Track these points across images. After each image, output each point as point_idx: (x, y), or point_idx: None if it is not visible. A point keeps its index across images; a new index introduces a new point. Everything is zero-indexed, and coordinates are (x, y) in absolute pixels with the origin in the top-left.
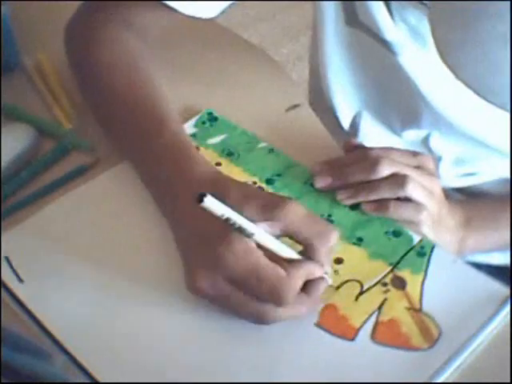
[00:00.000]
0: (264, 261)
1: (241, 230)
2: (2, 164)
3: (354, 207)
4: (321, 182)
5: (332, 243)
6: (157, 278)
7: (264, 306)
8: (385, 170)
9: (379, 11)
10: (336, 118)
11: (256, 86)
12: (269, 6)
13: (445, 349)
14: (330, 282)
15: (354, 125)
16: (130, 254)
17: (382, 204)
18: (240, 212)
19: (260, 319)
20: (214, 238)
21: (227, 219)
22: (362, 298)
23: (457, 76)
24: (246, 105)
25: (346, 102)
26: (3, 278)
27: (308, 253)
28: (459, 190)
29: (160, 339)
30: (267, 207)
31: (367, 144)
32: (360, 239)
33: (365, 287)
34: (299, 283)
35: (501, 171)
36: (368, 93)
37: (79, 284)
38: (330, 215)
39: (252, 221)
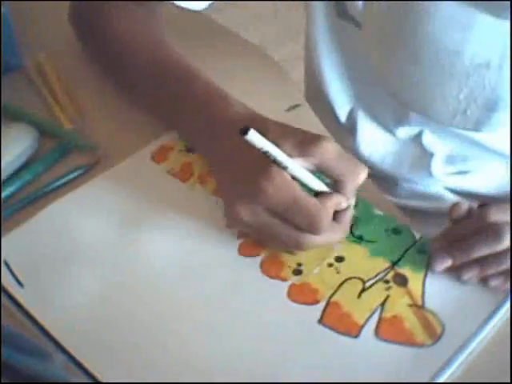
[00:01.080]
0: (301, 193)
1: (278, 164)
2: (2, 164)
3: (354, 205)
4: (439, 265)
5: (360, 181)
6: (158, 277)
7: (302, 234)
8: (509, 240)
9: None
10: (332, 114)
11: (256, 86)
12: (269, 6)
13: (448, 345)
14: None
15: (351, 120)
16: (130, 255)
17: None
18: (277, 147)
19: (298, 246)
20: (255, 170)
21: (266, 152)
22: (364, 295)
23: (386, 89)
24: (246, 105)
25: (340, 97)
26: (3, 282)
27: (338, 187)
28: (453, 191)
29: (160, 339)
30: (303, 144)
31: (363, 144)
32: (360, 237)
33: (367, 284)
34: (331, 212)
35: (493, 170)
36: (360, 89)
37: (79, 286)
38: None
39: (289, 156)
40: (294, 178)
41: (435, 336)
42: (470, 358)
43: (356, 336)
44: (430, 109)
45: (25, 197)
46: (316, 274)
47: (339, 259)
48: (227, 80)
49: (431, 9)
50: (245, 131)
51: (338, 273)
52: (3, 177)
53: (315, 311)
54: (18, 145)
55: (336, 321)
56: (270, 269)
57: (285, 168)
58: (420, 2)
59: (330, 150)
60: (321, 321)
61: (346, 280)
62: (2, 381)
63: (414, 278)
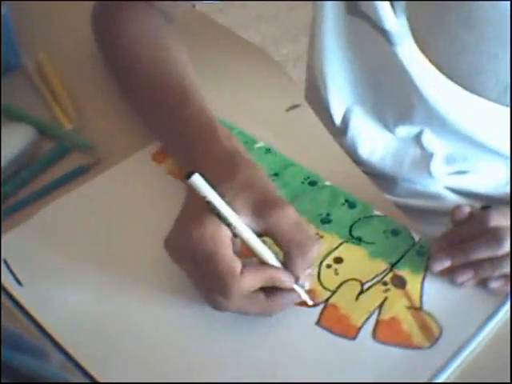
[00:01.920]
0: (224, 252)
1: (220, 217)
2: (2, 164)
3: (353, 206)
4: (438, 266)
5: (311, 257)
6: (157, 278)
7: (214, 293)
8: (509, 244)
9: (380, 1)
10: (329, 114)
11: (256, 86)
12: (269, 7)
13: (446, 347)
14: (308, 300)
15: (345, 121)
16: (129, 255)
17: (508, 279)
18: (230, 200)
19: (209, 303)
20: (194, 214)
21: (208, 202)
22: (362, 297)
23: (430, 59)
24: (246, 105)
25: (339, 97)
26: (2, 281)
27: (285, 260)
28: (453, 190)
29: (160, 339)
30: (261, 204)
31: (363, 143)
32: (359, 238)
33: (365, 286)
34: (252, 285)
35: (492, 170)
36: (363, 87)
37: (78, 285)
38: (328, 214)
39: (241, 211)
40: (235, 236)
41: (433, 338)
42: (468, 361)
43: (354, 338)
44: (477, 81)
45: (24, 197)
46: (314, 276)
47: (338, 260)
48: (227, 80)
49: None
50: (189, 175)
51: (336, 274)
52: (3, 177)
53: (313, 313)
54: (18, 145)
55: (334, 323)
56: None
57: (228, 224)
58: None
59: (286, 216)
60: (318, 323)
61: (344, 282)
62: (2, 381)
63: (413, 280)
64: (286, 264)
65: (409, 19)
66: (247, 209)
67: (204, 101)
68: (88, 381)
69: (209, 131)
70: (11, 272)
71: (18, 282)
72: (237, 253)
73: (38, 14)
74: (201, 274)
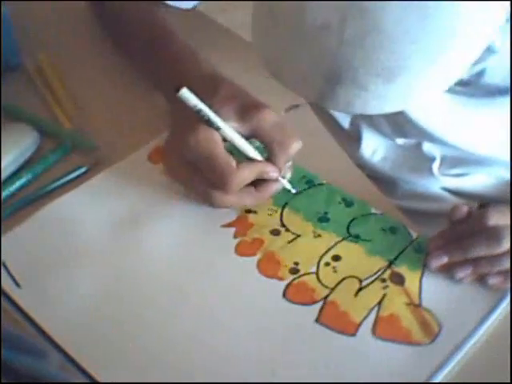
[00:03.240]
0: (220, 151)
1: (210, 123)
2: (2, 164)
3: (350, 204)
4: (436, 262)
5: (291, 152)
6: (156, 277)
7: (212, 190)
8: (508, 242)
9: None
10: (334, 118)
11: (256, 86)
12: None
13: (445, 343)
14: (291, 188)
15: (354, 125)
16: (127, 255)
17: (507, 276)
18: (216, 109)
19: (208, 201)
20: (185, 125)
21: (199, 111)
22: (361, 293)
23: (255, 52)
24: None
25: None
26: (1, 283)
27: (269, 156)
28: (454, 192)
29: (157, 339)
30: (244, 109)
31: (364, 146)
32: (357, 236)
33: (364, 283)
34: (247, 176)
35: (492, 172)
36: None
37: (77, 286)
38: (326, 212)
39: (227, 118)
40: (225, 140)
41: (432, 335)
42: (467, 357)
43: (353, 334)
44: (280, 72)
45: (25, 197)
46: (313, 273)
47: (336, 258)
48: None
49: None
50: (177, 90)
51: (334, 272)
52: (3, 177)
53: (312, 310)
54: (18, 145)
55: (333, 320)
56: (267, 268)
57: (217, 128)
58: None
59: (267, 117)
60: (318, 320)
61: (342, 279)
62: (2, 381)
63: (411, 277)
64: (270, 159)
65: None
66: (232, 115)
67: (185, 40)
68: (87, 381)
69: (189, 59)
70: (9, 273)
71: (17, 283)
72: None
73: (38, 14)
74: (199, 175)
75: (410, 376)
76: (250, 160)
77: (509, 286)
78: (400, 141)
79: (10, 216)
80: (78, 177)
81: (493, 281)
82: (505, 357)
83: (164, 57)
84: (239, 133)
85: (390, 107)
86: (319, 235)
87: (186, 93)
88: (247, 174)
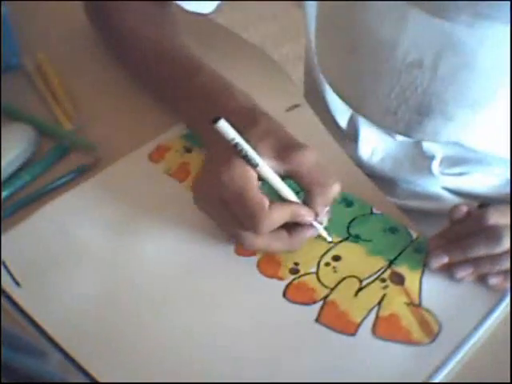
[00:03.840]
0: (253, 189)
1: (247, 159)
2: (2, 164)
3: (350, 204)
4: (436, 263)
5: (331, 196)
6: (156, 277)
7: (242, 230)
8: (509, 242)
9: None
10: (332, 117)
11: (256, 86)
12: (269, 6)
13: (446, 343)
14: (327, 236)
15: (352, 125)
16: (126, 255)
17: (507, 276)
18: (254, 144)
19: (237, 241)
20: (221, 158)
21: (236, 144)
22: (361, 293)
23: (327, 81)
24: (249, 96)
25: (340, 103)
26: (1, 282)
27: (306, 199)
28: (453, 192)
29: (157, 338)
30: (283, 147)
31: (363, 145)
32: (357, 236)
33: (364, 283)
34: (279, 219)
35: (492, 171)
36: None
37: (77, 285)
38: None
39: (265, 155)
40: (261, 178)
41: (432, 334)
42: (467, 357)
43: (353, 335)
44: (363, 105)
45: (25, 197)
46: (313, 273)
47: (336, 258)
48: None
49: None
50: (215, 120)
51: (334, 272)
52: (3, 177)
53: (312, 310)
54: (18, 145)
55: (333, 320)
56: (267, 268)
57: (254, 165)
58: None
59: (307, 157)
60: (318, 320)
61: (342, 279)
62: (2, 381)
63: (411, 277)
64: (307, 202)
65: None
66: (271, 152)
67: (213, 68)
68: (88, 381)
69: (224, 90)
70: (9, 272)
71: (17, 282)
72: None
73: (38, 14)
74: (230, 214)
75: (409, 376)
76: (284, 202)
77: (509, 285)
78: (400, 137)
79: (10, 216)
80: (77, 177)
81: (493, 281)
82: (505, 357)
83: (194, 89)
84: (276, 171)
85: (474, 135)
86: (319, 235)
87: (223, 125)
88: (279, 215)
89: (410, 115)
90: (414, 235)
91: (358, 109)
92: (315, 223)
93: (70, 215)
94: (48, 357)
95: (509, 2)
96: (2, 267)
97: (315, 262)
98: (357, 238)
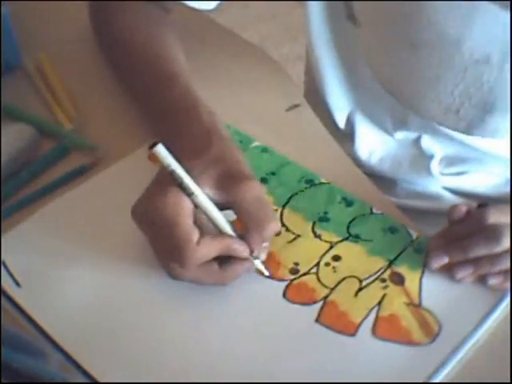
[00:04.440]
0: (184, 221)
1: (182, 187)
2: (2, 164)
3: (350, 204)
4: (436, 263)
5: (267, 233)
6: (156, 277)
7: (170, 261)
8: (509, 241)
9: None
10: (330, 118)
11: (256, 86)
12: (269, 6)
13: (446, 343)
14: (264, 270)
15: (349, 124)
16: (127, 255)
17: (507, 275)
18: (197, 173)
19: (167, 272)
20: (158, 184)
21: (172, 172)
22: (361, 293)
23: (381, 83)
24: (246, 105)
25: (338, 102)
26: (2, 282)
27: (243, 232)
28: (452, 191)
29: (157, 338)
30: (227, 177)
31: (362, 145)
32: (357, 236)
33: (364, 283)
34: (208, 253)
35: (492, 171)
36: (359, 92)
37: (77, 286)
38: (326, 212)
39: (206, 185)
40: (197, 207)
41: (432, 335)
42: (467, 357)
43: (353, 335)
44: (422, 104)
45: (25, 197)
46: (313, 274)
47: (336, 258)
48: (227, 80)
49: None
50: (152, 146)
51: (334, 272)
52: (3, 176)
53: (312, 310)
54: (18, 145)
55: (333, 320)
56: (267, 268)
57: (189, 194)
58: None
59: (247, 191)
60: (318, 320)
61: (342, 279)
62: (2, 381)
63: (411, 277)
64: (243, 236)
65: (363, 43)
66: (212, 182)
67: (190, 83)
68: (88, 381)
69: (190, 110)
70: (9, 272)
71: (17, 283)
72: (200, 225)
73: (38, 14)
74: (160, 242)
75: (409, 376)
76: (217, 234)
77: (509, 285)
78: (399, 135)
79: (10, 216)
80: (77, 177)
81: (493, 281)
82: (505, 357)
83: (163, 102)
84: (215, 202)
85: None
86: (319, 235)
87: (160, 150)
88: (208, 249)
89: (474, 113)
90: (414, 235)
91: (417, 108)
92: (251, 259)
93: (70, 215)
94: (48, 357)
95: None
96: (2, 267)
97: (315, 262)
98: (357, 238)
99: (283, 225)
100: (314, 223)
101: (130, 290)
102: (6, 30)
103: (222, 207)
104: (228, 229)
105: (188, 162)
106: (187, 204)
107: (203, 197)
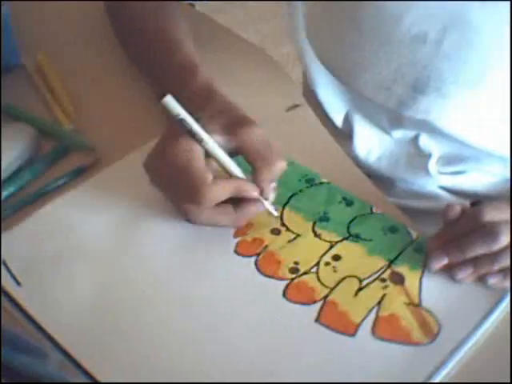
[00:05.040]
0: (196, 164)
1: (192, 134)
2: (2, 164)
3: (350, 203)
4: (436, 264)
5: (275, 172)
6: (156, 277)
7: (187, 205)
8: (507, 238)
9: None
10: (328, 117)
11: (256, 86)
12: (269, 6)
13: (445, 343)
14: (272, 210)
15: (347, 123)
16: (126, 255)
17: (507, 274)
18: (204, 121)
19: (182, 214)
20: (168, 134)
21: (181, 120)
22: (361, 293)
23: (318, 56)
24: (246, 105)
25: (335, 102)
26: (2, 282)
27: (252, 174)
28: (450, 191)
29: (158, 338)
30: (231, 123)
31: (360, 144)
32: (357, 235)
33: (364, 283)
34: (222, 194)
35: (490, 170)
36: (354, 93)
37: (77, 285)
38: (326, 212)
39: (214, 132)
40: (208, 154)
41: (432, 334)
42: (467, 357)
43: (353, 335)
44: (358, 79)
45: (24, 197)
46: (313, 273)
47: (336, 258)
48: (227, 80)
49: None
50: (162, 96)
51: (334, 271)
52: (3, 177)
53: (312, 310)
54: (18, 145)
55: (333, 320)
56: (267, 267)
57: (199, 140)
58: None
59: (254, 134)
60: (318, 320)
61: (342, 279)
62: (2, 381)
63: (411, 277)
64: (253, 177)
65: (305, 19)
66: (219, 129)
67: (192, 50)
68: (88, 381)
69: (190, 68)
70: (9, 272)
71: (17, 282)
72: (211, 171)
73: (38, 14)
74: (175, 188)
75: (409, 376)
76: (228, 178)
77: (509, 284)
78: (397, 133)
79: (10, 216)
80: (77, 177)
81: (492, 280)
82: (505, 357)
83: (167, 65)
84: (224, 148)
85: (465, 114)
86: (319, 234)
87: (169, 101)
88: (222, 190)
89: (405, 91)
90: (414, 235)
91: (350, 82)
92: (261, 199)
93: (70, 215)
94: (48, 357)
95: None
96: (3, 267)
97: (315, 262)
98: (357, 238)
99: (283, 224)
100: (314, 223)
101: (130, 289)
102: (5, 30)
103: (230, 153)
104: (238, 172)
105: (194, 113)
106: (198, 149)
107: (212, 142)
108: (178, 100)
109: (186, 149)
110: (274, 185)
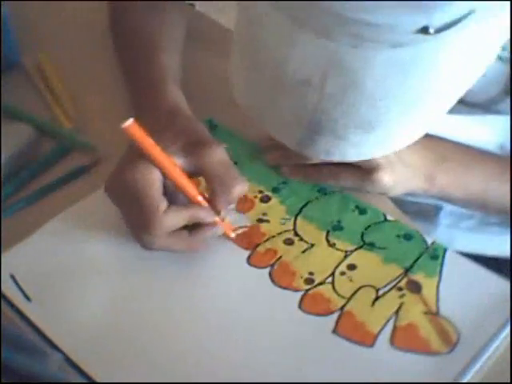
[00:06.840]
0: (152, 192)
1: (152, 160)
2: (2, 164)
3: (363, 212)
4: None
5: (233, 195)
6: (163, 289)
7: (140, 231)
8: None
9: None
10: None
11: None
12: None
13: (465, 352)
14: (229, 232)
15: None
16: (135, 267)
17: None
18: (164, 145)
19: (137, 241)
20: (129, 158)
21: (141, 146)
22: (378, 303)
23: (234, 94)
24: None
25: None
26: (10, 296)
27: (210, 196)
28: None
29: (174, 354)
30: (193, 144)
31: None
32: (371, 244)
33: (380, 292)
34: (176, 222)
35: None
36: None
37: (86, 298)
38: (339, 221)
39: (175, 154)
40: (166, 178)
41: (451, 343)
42: (487, 366)
43: (371, 345)
44: (264, 119)
45: (24, 196)
46: (328, 283)
47: (351, 267)
48: (227, 80)
49: (262, 13)
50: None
51: (350, 281)
52: (3, 176)
53: (329, 321)
54: (18, 144)
55: (350, 331)
56: (282, 279)
57: (158, 166)
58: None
59: (214, 155)
60: (335, 331)
61: (358, 288)
62: (2, 381)
63: (428, 284)
64: (211, 200)
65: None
66: (180, 151)
67: (169, 60)
68: (88, 381)
69: (159, 84)
70: (19, 287)
71: (27, 297)
72: (170, 194)
73: (38, 13)
74: (131, 214)
75: None
76: (184, 204)
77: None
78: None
79: (10, 216)
80: (77, 176)
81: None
82: None
83: (143, 76)
84: (185, 169)
85: (367, 155)
86: (333, 244)
87: (131, 126)
88: (175, 218)
89: (303, 132)
90: (429, 241)
91: (259, 121)
92: (220, 221)
93: (79, 227)
94: (48, 357)
95: (390, 25)
96: (11, 282)
97: (330, 272)
98: (372, 246)
99: (296, 234)
100: (327, 232)
101: (142, 303)
102: (5, 30)
103: (192, 174)
104: (196, 195)
105: (156, 134)
106: (156, 175)
107: (172, 167)
108: (144, 116)
109: (144, 174)
110: (232, 206)
